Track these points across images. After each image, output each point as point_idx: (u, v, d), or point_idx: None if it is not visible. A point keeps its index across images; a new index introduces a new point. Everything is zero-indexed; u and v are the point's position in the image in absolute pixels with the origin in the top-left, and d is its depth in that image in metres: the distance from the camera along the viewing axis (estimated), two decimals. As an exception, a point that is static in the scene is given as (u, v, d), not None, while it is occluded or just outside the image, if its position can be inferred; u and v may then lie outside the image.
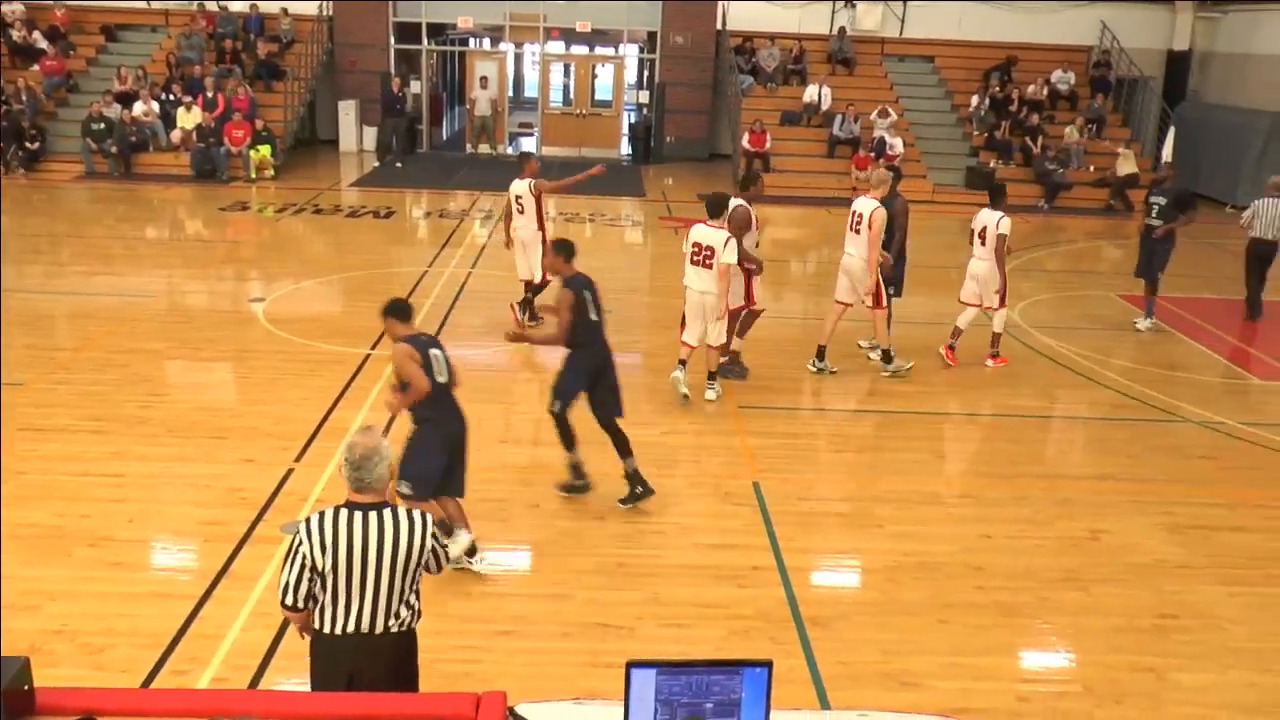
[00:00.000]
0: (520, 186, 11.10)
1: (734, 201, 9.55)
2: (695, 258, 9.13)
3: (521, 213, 11.10)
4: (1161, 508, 7.84)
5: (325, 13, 23.65)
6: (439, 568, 4.15)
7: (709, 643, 5.80)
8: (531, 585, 6.54)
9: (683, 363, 9.56)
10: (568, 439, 7.46)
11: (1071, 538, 7.33)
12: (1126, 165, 21.09)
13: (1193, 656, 5.97)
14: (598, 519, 7.22)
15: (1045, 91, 23.15)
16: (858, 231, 10.14)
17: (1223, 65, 24.17)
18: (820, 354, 10.50)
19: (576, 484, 7.54)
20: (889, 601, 6.41)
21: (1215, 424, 9.63)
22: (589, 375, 7.34)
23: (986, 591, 6.55)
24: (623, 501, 7.38)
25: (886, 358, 10.51)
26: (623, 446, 7.37)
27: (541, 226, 11.13)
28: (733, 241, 8.95)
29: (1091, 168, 21.80)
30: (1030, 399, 10.27)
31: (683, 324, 9.57)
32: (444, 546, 4.15)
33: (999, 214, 10.36)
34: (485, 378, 9.97)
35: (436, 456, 6.21)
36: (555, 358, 10.53)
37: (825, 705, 5.32)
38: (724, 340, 9.62)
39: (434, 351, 6.10)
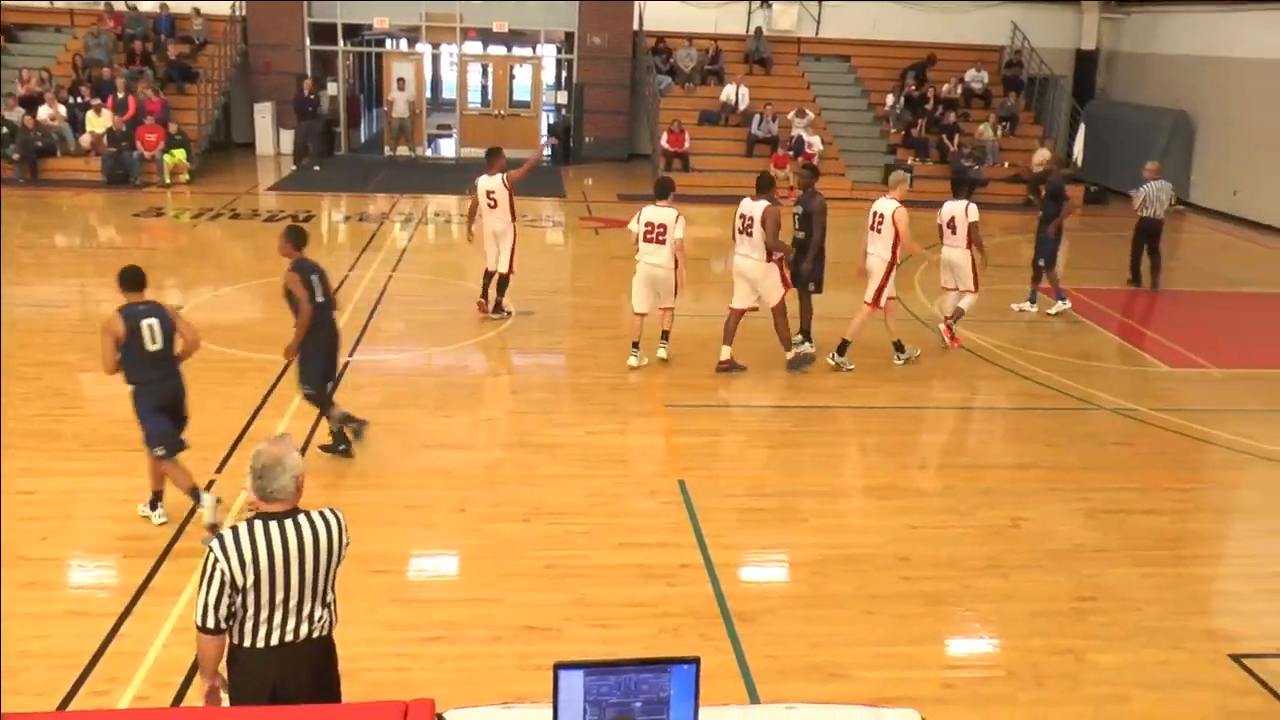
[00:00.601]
0: (493, 182, 11.45)
1: (762, 204, 9.87)
2: (648, 235, 10.01)
3: (494, 207, 11.46)
4: (1078, 494, 8.04)
5: (238, 13, 23.19)
6: None
7: (638, 642, 5.80)
8: (459, 590, 6.49)
9: (635, 345, 10.33)
10: (327, 410, 8.06)
11: (993, 526, 7.48)
12: (1042, 164, 21.56)
13: (1109, 637, 6.13)
14: (524, 521, 7.19)
15: (959, 90, 23.58)
16: (879, 231, 10.42)
17: (1127, 64, 24.85)
18: (842, 349, 10.67)
19: (340, 447, 8.06)
20: (816, 594, 6.47)
21: (1129, 411, 9.89)
22: (326, 353, 7.99)
23: (912, 581, 6.65)
24: (324, 449, 8.04)
25: (899, 347, 10.92)
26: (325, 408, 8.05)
27: (514, 219, 11.54)
28: (682, 219, 9.92)
29: (1006, 164, 22.25)
30: (952, 391, 10.46)
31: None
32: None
33: (964, 202, 10.93)
34: (407, 382, 9.88)
35: (157, 416, 6.76)
36: (475, 362, 10.58)
37: (755, 699, 5.36)
38: (671, 305, 10.35)
39: (147, 321, 6.59)
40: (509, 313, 11.92)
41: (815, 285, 10.76)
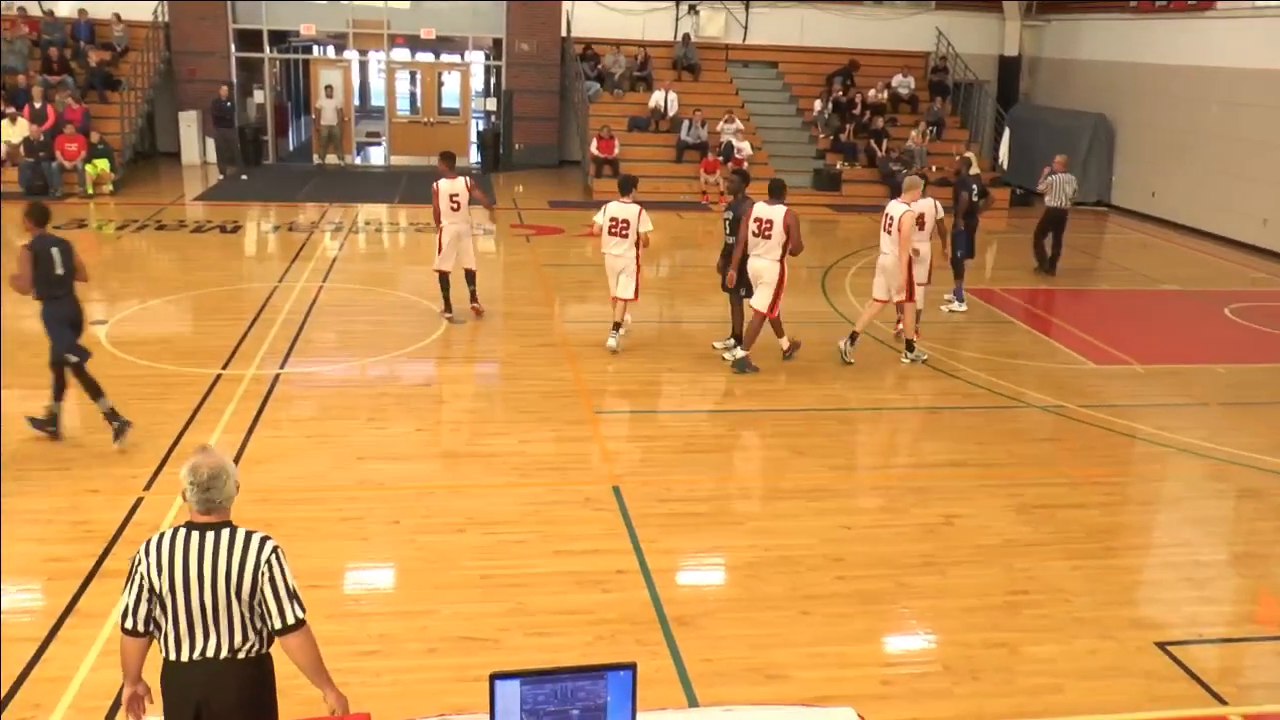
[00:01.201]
0: (456, 185, 11.77)
1: (780, 209, 10.27)
2: (613, 229, 10.85)
3: (456, 209, 11.76)
4: (1010, 490, 8.16)
5: (161, 19, 22.76)
6: (278, 610, 3.74)
7: (575, 649, 5.77)
8: (395, 603, 6.41)
9: (616, 325, 11.15)
10: (92, 389, 8.22)
11: (927, 524, 7.56)
12: (970, 167, 21.90)
13: (1042, 629, 6.23)
14: (459, 532, 7.13)
15: (886, 95, 23.89)
16: (889, 232, 10.91)
17: (1049, 70, 25.37)
18: (852, 339, 11.13)
19: (49, 427, 8.29)
20: (752, 597, 6.49)
21: (1056, 407, 10.07)
22: (72, 322, 8.18)
23: (847, 581, 6.70)
24: (115, 439, 8.13)
25: (909, 346, 11.26)
26: (93, 389, 8.21)
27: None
28: (644, 213, 10.79)
29: (934, 168, 22.57)
30: (883, 392, 10.57)
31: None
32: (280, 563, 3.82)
33: (928, 200, 11.37)
34: (340, 394, 9.76)
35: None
36: (408, 372, 10.48)
37: (693, 703, 5.36)
38: (631, 296, 11.00)
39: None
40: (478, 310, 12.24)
41: (747, 290, 10.83)
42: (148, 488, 7.57)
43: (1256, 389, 11.07)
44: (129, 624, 3.74)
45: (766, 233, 10.30)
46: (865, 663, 5.89)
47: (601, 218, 10.96)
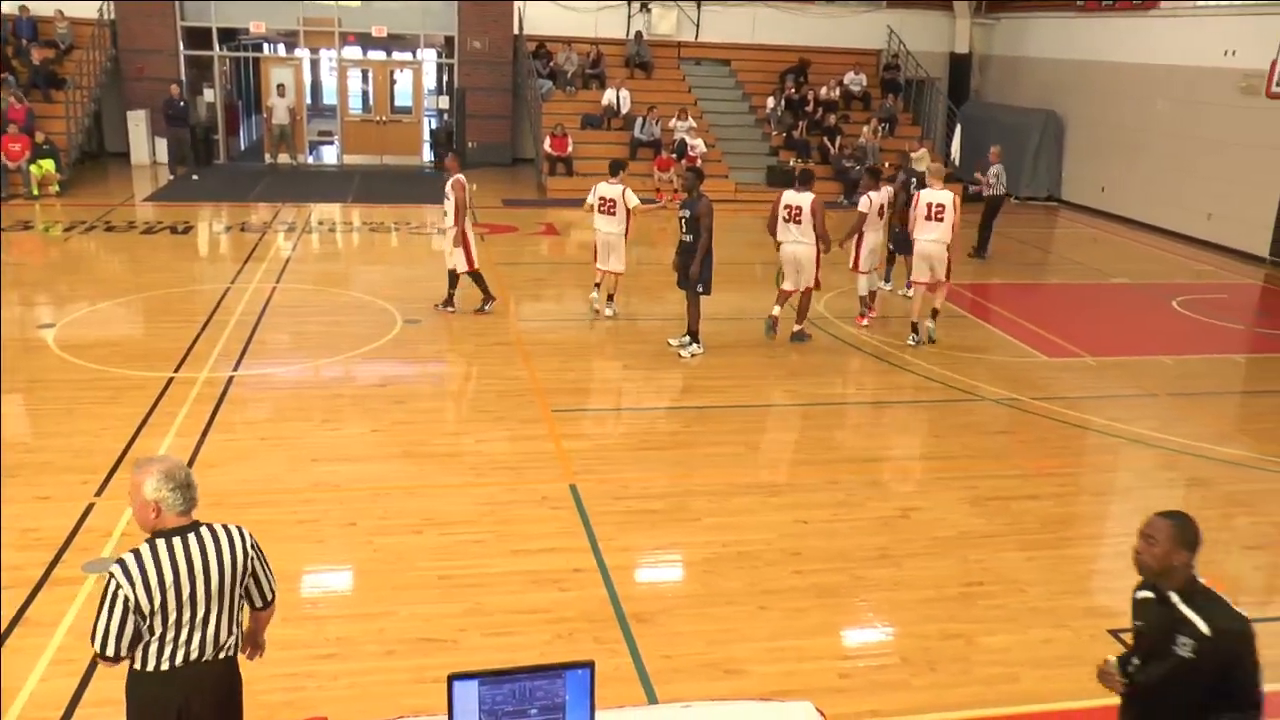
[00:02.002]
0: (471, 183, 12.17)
1: (808, 195, 11.22)
2: (602, 208, 12.09)
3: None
4: (965, 482, 8.24)
5: (106, 16, 22.40)
6: (261, 591, 3.89)
7: (534, 648, 5.75)
8: (352, 605, 6.35)
9: (597, 285, 12.36)
10: None
11: (883, 517, 7.61)
12: (921, 163, 22.09)
13: (997, 620, 6.29)
14: (415, 533, 7.08)
15: (838, 92, 24.03)
16: (940, 219, 11.58)
17: (999, 67, 25.64)
18: (915, 329, 11.87)
19: None
20: (710, 593, 6.50)
21: (1010, 400, 10.18)
22: None
23: (804, 575, 6.73)
24: None
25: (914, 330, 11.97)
26: None
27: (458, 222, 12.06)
28: (629, 191, 12.06)
29: (887, 164, 22.72)
30: (839, 387, 10.63)
31: (595, 257, 12.39)
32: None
33: (881, 191, 12.59)
34: (294, 395, 9.66)
35: None
36: (363, 373, 10.40)
37: (652, 700, 5.35)
38: (622, 270, 12.38)
39: None
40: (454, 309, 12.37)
41: (704, 287, 10.85)
42: (99, 494, 7.45)
43: (1202, 379, 11.26)
44: (111, 650, 3.58)
45: (796, 218, 11.19)
46: (823, 656, 5.92)
47: (592, 197, 12.23)
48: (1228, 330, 13.35)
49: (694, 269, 10.76)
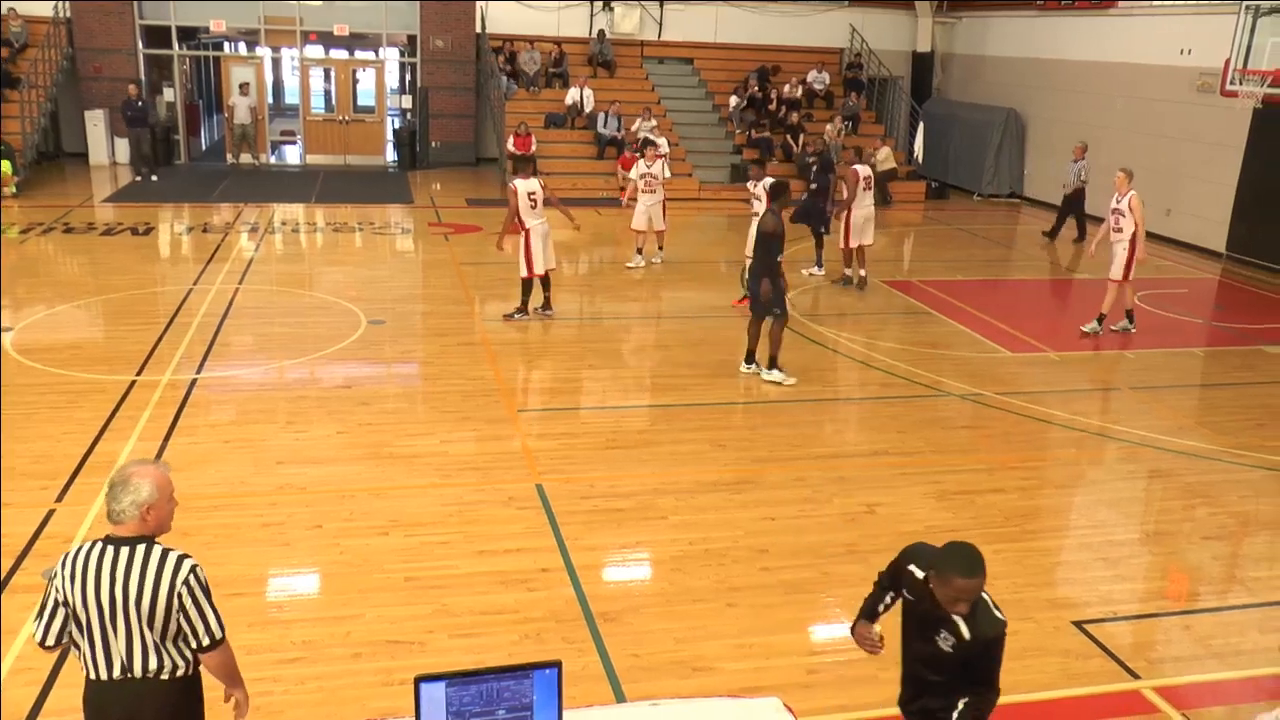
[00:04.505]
0: (532, 184, 11.88)
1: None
2: (645, 188, 14.86)
3: (535, 208, 11.88)
4: (930, 477, 8.30)
5: (62, 14, 22.08)
6: (195, 632, 3.66)
7: (501, 649, 5.73)
8: (318, 609, 6.30)
9: (639, 251, 14.77)
10: None
11: (849, 513, 7.65)
12: (886, 161, 22.25)
13: (963, 614, 6.34)
14: (382, 535, 7.04)
15: (801, 91, 24.11)
16: (1120, 228, 12.24)
17: (961, 65, 25.83)
18: (1125, 317, 12.67)
19: None
20: (677, 591, 6.50)
21: (974, 395, 10.26)
22: None
23: (771, 572, 6.75)
24: None
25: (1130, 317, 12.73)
26: None
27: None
28: (663, 162, 15.30)
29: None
30: (804, 383, 10.65)
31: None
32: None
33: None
34: (259, 397, 9.58)
35: None
36: (327, 374, 10.33)
37: (621, 698, 5.35)
38: (663, 227, 15.32)
39: None
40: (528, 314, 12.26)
41: (764, 306, 10.32)
42: (59, 500, 7.35)
43: (1162, 372, 11.41)
44: (39, 637, 3.64)
45: (869, 185, 14.16)
46: (791, 652, 5.94)
47: (635, 174, 14.93)
48: (1187, 324, 13.53)
49: (762, 288, 10.11)
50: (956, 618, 3.87)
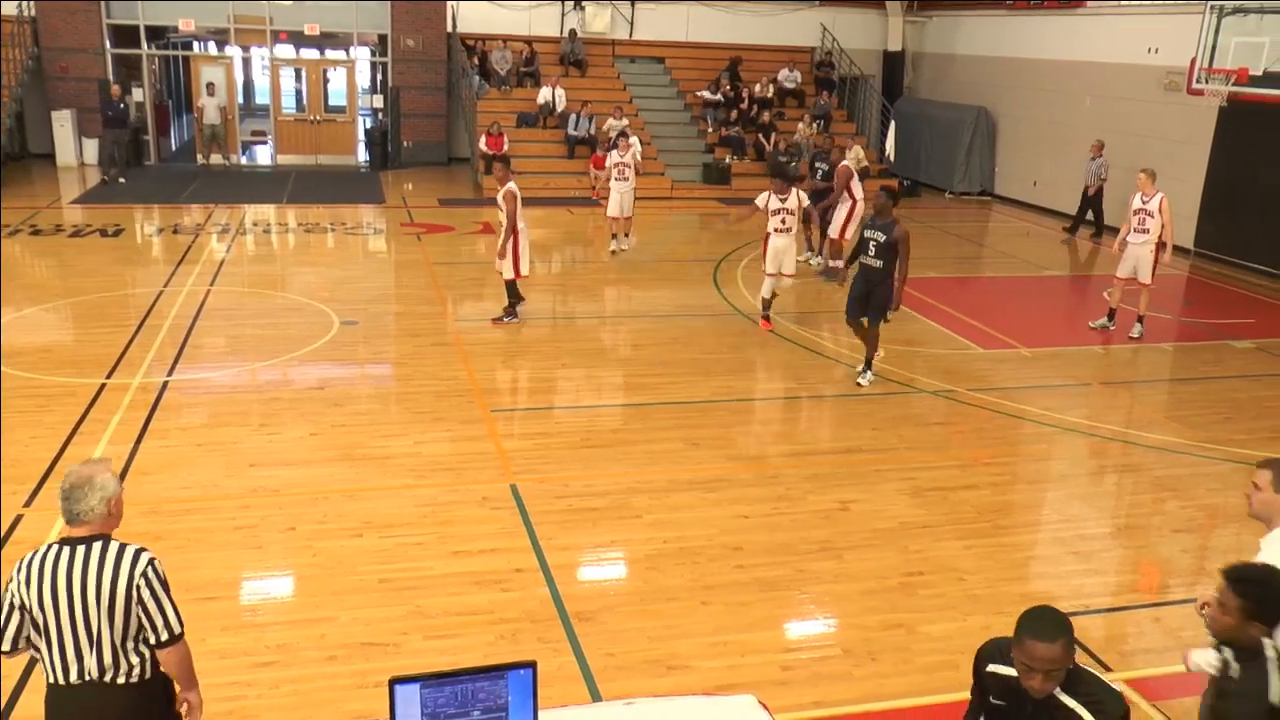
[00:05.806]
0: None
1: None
2: (619, 174, 15.87)
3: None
4: (903, 474, 8.34)
5: (26, 13, 21.82)
6: (154, 626, 3.66)
7: (477, 650, 5.71)
8: (292, 611, 6.26)
9: (614, 236, 15.65)
10: None
11: (823, 510, 7.68)
12: (859, 163, 22.34)
13: (937, 608, 6.37)
14: (355, 537, 7.00)
15: (772, 90, 24.18)
16: (1146, 229, 12.28)
17: (931, 64, 25.97)
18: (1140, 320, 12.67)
19: None
20: (652, 589, 6.50)
21: (946, 392, 10.32)
22: None
23: (746, 570, 6.76)
24: None
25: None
26: None
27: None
28: (636, 144, 17.21)
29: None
30: (778, 382, 10.70)
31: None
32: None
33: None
34: (231, 400, 9.52)
35: None
36: (300, 376, 10.28)
37: (596, 697, 5.35)
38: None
39: None
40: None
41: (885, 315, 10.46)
42: (28, 504, 7.27)
43: (1132, 368, 11.52)
44: None
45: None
46: (766, 649, 5.95)
47: (619, 156, 16.06)
48: (1155, 320, 13.64)
49: (895, 301, 10.17)
50: (1077, 706, 3.22)
